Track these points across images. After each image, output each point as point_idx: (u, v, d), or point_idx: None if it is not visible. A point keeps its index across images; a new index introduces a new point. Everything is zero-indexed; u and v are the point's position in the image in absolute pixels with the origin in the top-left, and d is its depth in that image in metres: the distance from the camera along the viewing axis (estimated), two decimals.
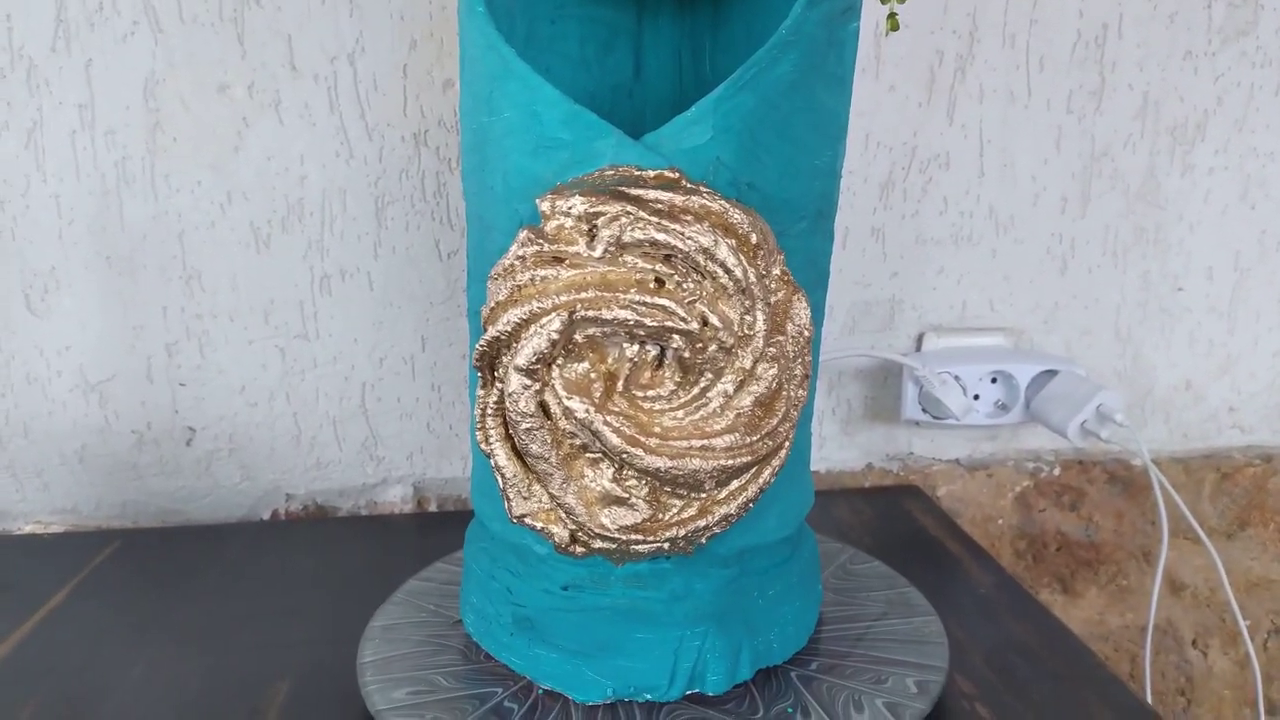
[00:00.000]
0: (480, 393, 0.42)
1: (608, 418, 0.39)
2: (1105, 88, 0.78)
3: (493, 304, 0.41)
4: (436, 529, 0.73)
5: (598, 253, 0.39)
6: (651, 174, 0.40)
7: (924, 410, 0.78)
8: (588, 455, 0.40)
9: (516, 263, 0.40)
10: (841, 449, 0.84)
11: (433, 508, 0.80)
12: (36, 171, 0.71)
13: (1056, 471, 0.84)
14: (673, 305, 0.39)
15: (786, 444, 0.42)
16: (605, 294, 0.39)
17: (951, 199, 0.80)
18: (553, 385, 0.40)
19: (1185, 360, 0.84)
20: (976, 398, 0.78)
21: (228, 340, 0.75)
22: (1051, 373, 0.77)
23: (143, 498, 0.76)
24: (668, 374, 0.40)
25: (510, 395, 0.39)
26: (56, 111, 0.71)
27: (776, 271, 0.43)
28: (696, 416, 0.40)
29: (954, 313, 0.82)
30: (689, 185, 0.41)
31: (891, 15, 0.37)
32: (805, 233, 0.47)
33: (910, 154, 0.79)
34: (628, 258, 0.39)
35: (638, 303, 0.39)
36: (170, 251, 0.73)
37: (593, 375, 0.40)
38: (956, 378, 0.77)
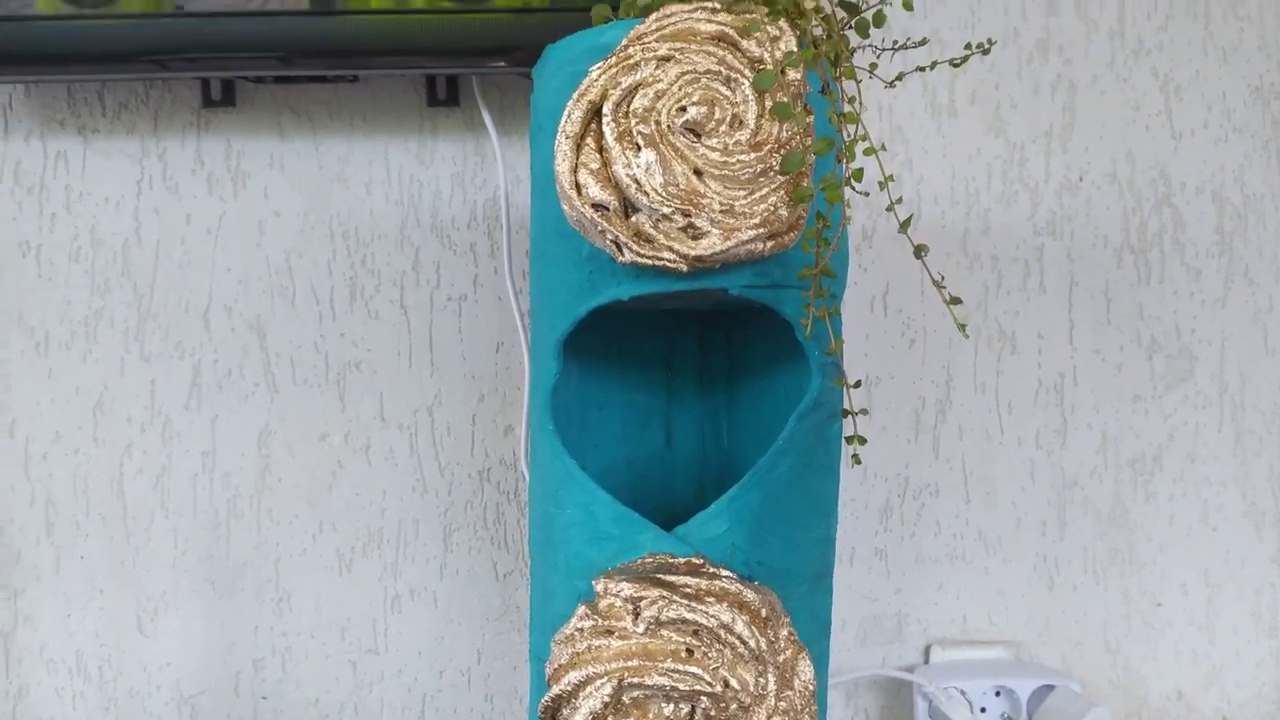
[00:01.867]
0: None
1: None
2: (1068, 427, 0.91)
3: (556, 665, 0.52)
4: None
5: (641, 629, 0.50)
6: (682, 561, 0.52)
7: None
8: None
9: (576, 633, 0.51)
10: None
11: None
12: (160, 509, 0.85)
13: None
14: (701, 672, 0.49)
15: None
16: (647, 663, 0.49)
17: (943, 523, 0.91)
18: None
19: (1173, 671, 0.91)
20: (983, 710, 0.85)
21: (308, 655, 0.85)
22: (1049, 687, 0.85)
23: None
24: None
25: None
26: (184, 458, 0.85)
27: (784, 633, 0.54)
28: None
29: (956, 626, 0.91)
30: (711, 569, 0.52)
31: (855, 455, 0.50)
32: (807, 594, 0.58)
33: (904, 484, 0.91)
34: (665, 632, 0.50)
35: (673, 670, 0.49)
36: (266, 576, 0.85)
37: None
38: (962, 692, 0.84)
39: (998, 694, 0.86)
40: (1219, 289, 0.93)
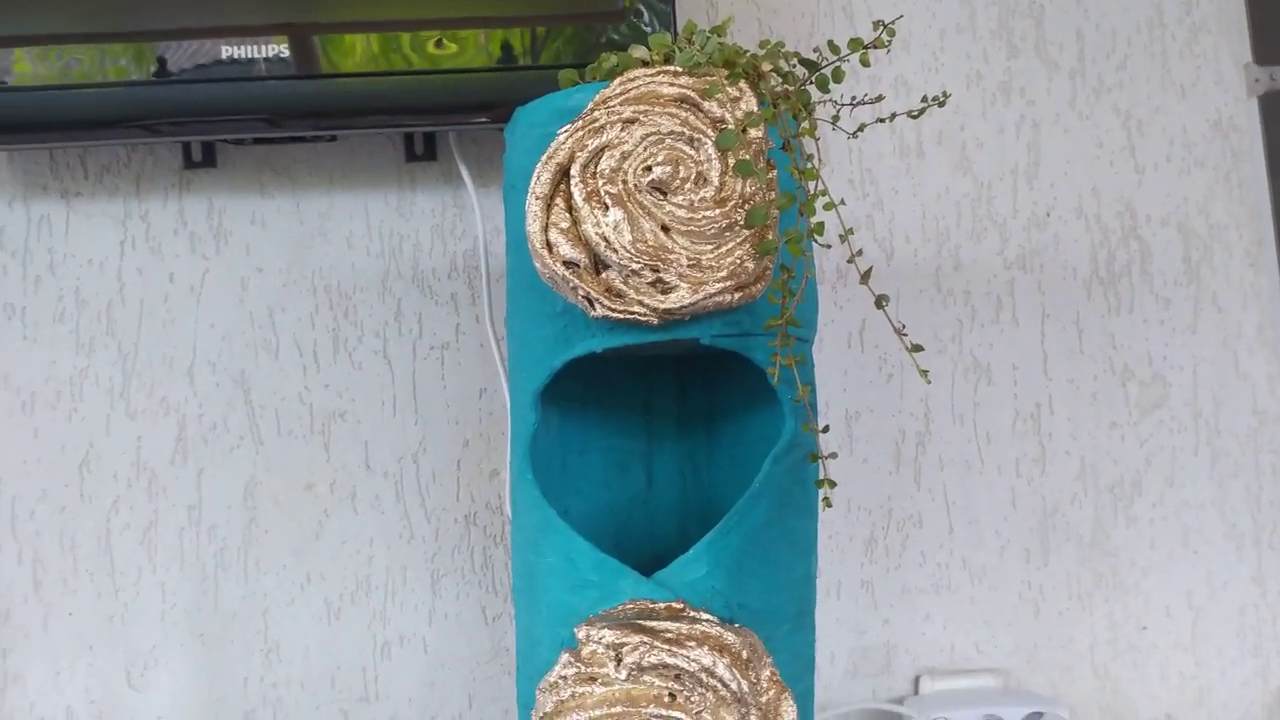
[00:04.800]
0: None
1: None
2: (1046, 455, 0.93)
3: (541, 713, 0.52)
4: None
5: (623, 675, 0.51)
6: (662, 606, 0.53)
7: None
8: None
9: (560, 680, 0.52)
10: None
11: None
12: (148, 563, 0.85)
13: None
14: (683, 716, 0.50)
15: None
16: (630, 709, 0.50)
17: (928, 553, 0.92)
18: None
19: (1162, 694, 0.92)
20: None
21: (298, 706, 0.85)
22: (1039, 714, 0.85)
23: None
24: None
25: None
26: (170, 513, 0.85)
27: (766, 674, 0.55)
28: None
29: (944, 655, 0.91)
30: (692, 613, 0.53)
31: (825, 498, 0.51)
32: (789, 633, 0.59)
33: (887, 515, 0.92)
34: (646, 677, 0.51)
35: (656, 715, 0.50)
36: (255, 628, 0.85)
37: None
38: None
39: None
40: (1188, 317, 0.94)
